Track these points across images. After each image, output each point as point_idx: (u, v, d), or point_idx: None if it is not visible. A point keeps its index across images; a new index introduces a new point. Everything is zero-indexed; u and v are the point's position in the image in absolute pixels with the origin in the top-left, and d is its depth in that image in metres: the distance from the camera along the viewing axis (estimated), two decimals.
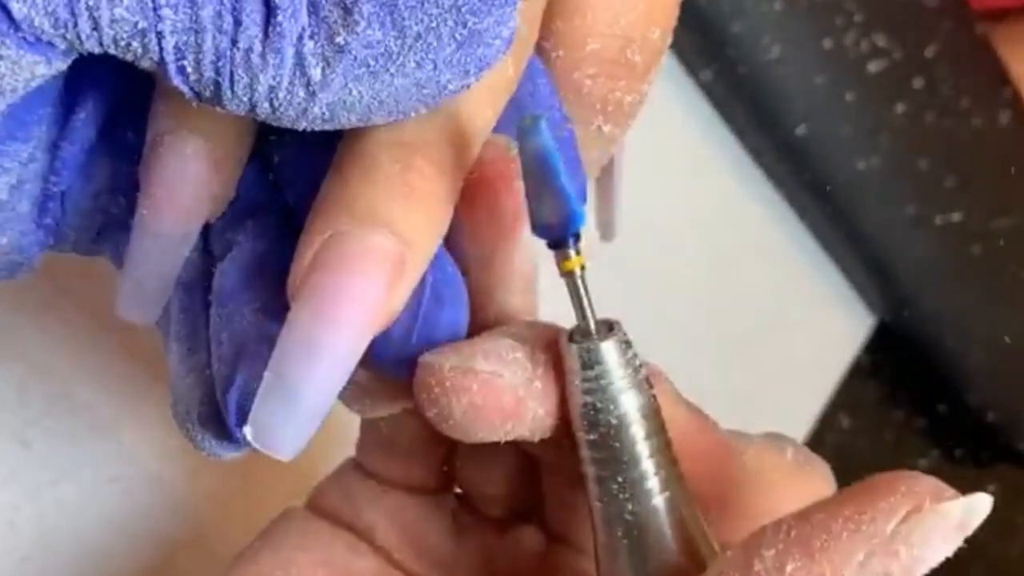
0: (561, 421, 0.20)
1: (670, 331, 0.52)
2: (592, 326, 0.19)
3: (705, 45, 0.50)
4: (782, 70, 0.50)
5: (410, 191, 0.18)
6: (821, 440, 0.61)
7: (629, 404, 0.19)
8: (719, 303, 0.55)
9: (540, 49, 0.21)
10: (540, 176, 0.18)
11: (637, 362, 0.20)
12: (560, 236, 0.19)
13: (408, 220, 0.18)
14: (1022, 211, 0.58)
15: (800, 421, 0.60)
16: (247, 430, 0.18)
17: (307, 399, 0.18)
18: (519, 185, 0.19)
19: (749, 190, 0.56)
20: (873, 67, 0.51)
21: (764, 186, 0.57)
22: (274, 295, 0.19)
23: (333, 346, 0.18)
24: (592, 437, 0.19)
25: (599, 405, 0.19)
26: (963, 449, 0.67)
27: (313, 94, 0.16)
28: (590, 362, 0.19)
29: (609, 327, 0.20)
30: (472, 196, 0.20)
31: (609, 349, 0.19)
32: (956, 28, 0.54)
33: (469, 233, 0.20)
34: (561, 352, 0.20)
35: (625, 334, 0.20)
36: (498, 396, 0.19)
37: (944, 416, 0.66)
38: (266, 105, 0.16)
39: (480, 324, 0.21)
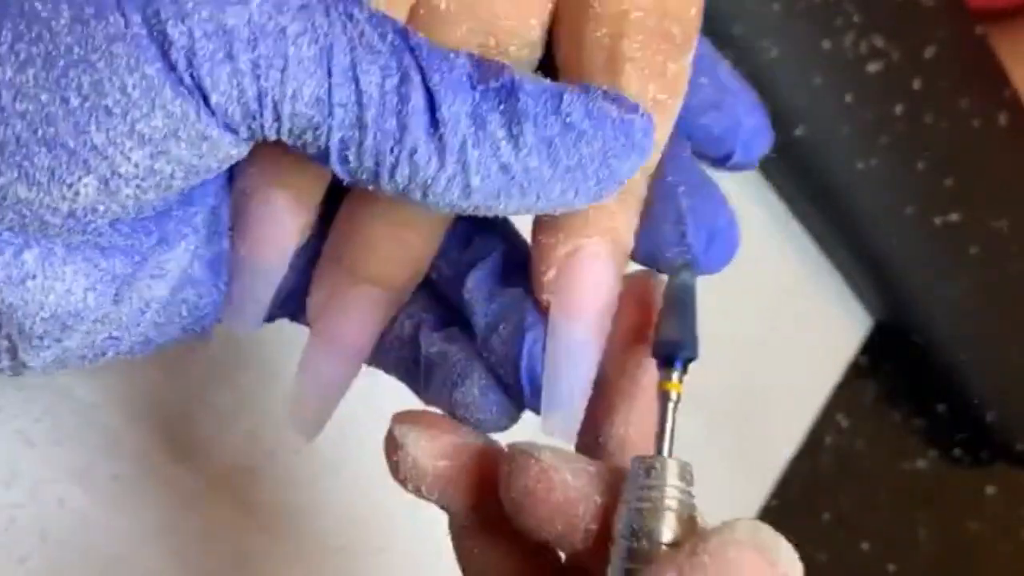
0: (608, 541, 0.21)
1: None
2: (665, 446, 0.21)
3: None
4: (781, 71, 0.50)
5: (622, 204, 0.22)
6: (819, 440, 0.61)
7: (667, 526, 0.20)
8: (717, 303, 0.55)
9: (583, 31, 0.21)
10: (676, 307, 0.22)
11: (691, 498, 0.21)
12: (671, 357, 0.22)
13: (623, 226, 0.22)
14: (1020, 212, 0.58)
15: (798, 421, 0.60)
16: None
17: (569, 381, 0.22)
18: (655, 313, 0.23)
19: (747, 191, 0.56)
20: (872, 68, 0.52)
21: (762, 187, 0.57)
22: (525, 283, 0.23)
23: (581, 329, 0.22)
24: (630, 545, 0.20)
25: (645, 514, 0.21)
26: (962, 449, 0.68)
27: (468, 196, 0.19)
28: (649, 472, 0.21)
29: (679, 462, 0.21)
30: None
31: (669, 467, 0.21)
32: (955, 29, 0.54)
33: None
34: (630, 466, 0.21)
35: (690, 473, 0.21)
36: (549, 487, 0.21)
37: (943, 416, 0.66)
38: (418, 194, 0.19)
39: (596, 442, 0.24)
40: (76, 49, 0.17)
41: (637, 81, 0.21)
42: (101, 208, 0.19)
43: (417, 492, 0.24)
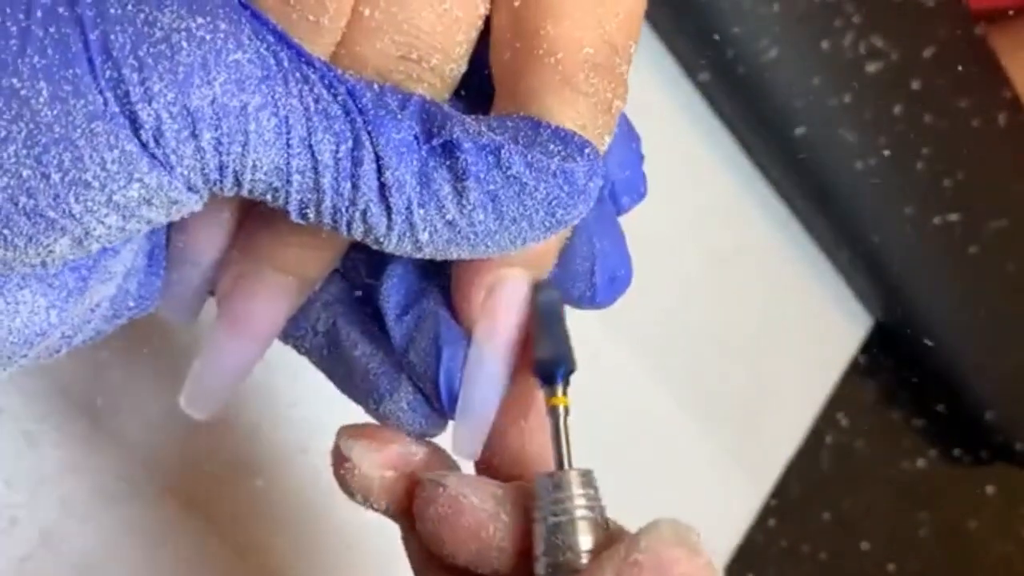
0: (523, 557, 0.22)
1: (668, 332, 0.52)
2: (565, 458, 0.22)
3: (703, 47, 0.50)
4: (780, 71, 0.50)
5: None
6: (819, 440, 0.61)
7: (584, 535, 0.21)
8: (717, 304, 0.55)
9: (534, 56, 0.21)
10: (547, 324, 0.22)
11: (599, 503, 0.22)
12: (552, 375, 0.22)
13: (547, 258, 0.23)
14: (1020, 212, 0.58)
15: (798, 421, 0.60)
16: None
17: (485, 404, 0.23)
18: None
19: (747, 191, 0.56)
20: (871, 68, 0.52)
21: (762, 187, 0.57)
22: (442, 292, 0.24)
23: (502, 355, 0.23)
24: (553, 560, 0.21)
25: (561, 528, 0.21)
26: (961, 448, 0.68)
27: (419, 249, 0.20)
28: (557, 487, 0.22)
29: (581, 471, 0.22)
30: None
31: (574, 479, 0.22)
32: (954, 29, 0.54)
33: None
34: (534, 485, 0.22)
35: (593, 479, 0.22)
36: (459, 511, 0.23)
37: (942, 416, 0.66)
38: (375, 245, 0.20)
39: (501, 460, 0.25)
40: (56, 127, 0.17)
41: (588, 116, 0.21)
42: (71, 258, 0.19)
43: (366, 503, 0.25)
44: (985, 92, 0.56)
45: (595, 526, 0.21)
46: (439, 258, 0.20)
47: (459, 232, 0.20)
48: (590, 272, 0.24)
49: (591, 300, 0.24)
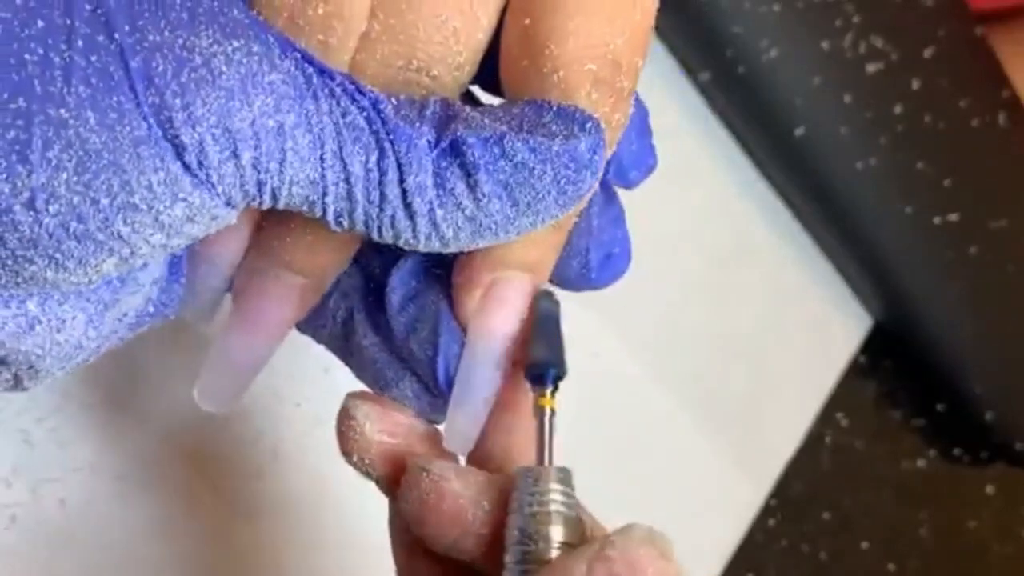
0: (499, 546, 0.23)
1: (668, 332, 0.52)
2: (546, 456, 0.23)
3: (704, 46, 0.50)
4: (780, 71, 0.50)
5: (550, 235, 0.23)
6: (819, 440, 0.61)
7: (557, 527, 0.22)
8: (717, 303, 0.55)
9: (539, 75, 0.22)
10: (543, 329, 0.23)
11: (575, 502, 0.23)
12: (542, 377, 0.23)
13: (546, 260, 0.24)
14: (1019, 212, 0.58)
15: (798, 421, 0.60)
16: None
17: (477, 402, 0.24)
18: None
19: (747, 191, 0.56)
20: (871, 68, 0.52)
21: (762, 187, 0.57)
22: (445, 287, 0.24)
23: (494, 352, 0.24)
24: (521, 549, 0.22)
25: (537, 519, 0.22)
26: (961, 448, 0.68)
27: (447, 245, 0.21)
28: (536, 481, 0.22)
29: (560, 469, 0.23)
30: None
31: (553, 474, 0.22)
32: (954, 29, 0.54)
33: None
34: (514, 477, 0.23)
35: (571, 479, 0.23)
36: (440, 495, 0.23)
37: (942, 416, 0.66)
38: (406, 246, 0.21)
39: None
40: (105, 154, 0.18)
41: None
42: (113, 275, 0.20)
43: (360, 466, 0.25)
44: (985, 92, 0.56)
45: (568, 521, 0.22)
46: (469, 249, 0.21)
47: (480, 224, 0.20)
48: (585, 249, 0.24)
49: (588, 279, 0.25)
